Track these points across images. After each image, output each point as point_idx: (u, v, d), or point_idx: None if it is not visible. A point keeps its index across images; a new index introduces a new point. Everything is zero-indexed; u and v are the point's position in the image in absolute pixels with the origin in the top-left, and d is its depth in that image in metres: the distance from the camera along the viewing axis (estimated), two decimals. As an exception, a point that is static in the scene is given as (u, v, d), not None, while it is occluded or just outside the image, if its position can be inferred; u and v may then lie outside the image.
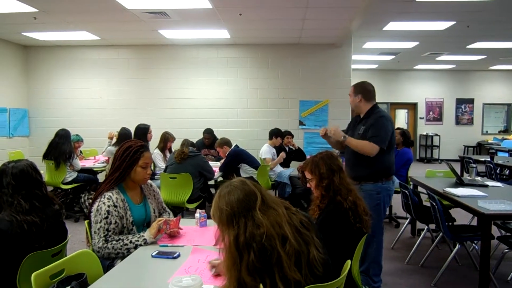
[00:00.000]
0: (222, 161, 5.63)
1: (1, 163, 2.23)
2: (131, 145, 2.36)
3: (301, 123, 7.86)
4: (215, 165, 5.60)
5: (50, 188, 5.56)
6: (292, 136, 6.65)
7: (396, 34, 7.34)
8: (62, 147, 5.42)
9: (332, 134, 3.17)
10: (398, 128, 5.46)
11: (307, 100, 7.83)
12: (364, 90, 3.28)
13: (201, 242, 2.23)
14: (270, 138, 6.17)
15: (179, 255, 1.99)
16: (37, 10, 5.48)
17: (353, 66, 8.07)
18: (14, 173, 2.12)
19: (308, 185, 2.37)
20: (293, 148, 6.66)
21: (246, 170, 5.48)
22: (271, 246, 1.28)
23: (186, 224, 2.55)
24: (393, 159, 3.27)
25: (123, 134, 5.64)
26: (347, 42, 7.51)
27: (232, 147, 5.64)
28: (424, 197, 4.32)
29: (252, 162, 5.56)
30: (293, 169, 5.83)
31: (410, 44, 8.36)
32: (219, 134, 6.62)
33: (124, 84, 8.11)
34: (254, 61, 7.87)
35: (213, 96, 7.94)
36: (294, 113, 7.87)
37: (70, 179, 5.55)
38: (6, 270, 1.94)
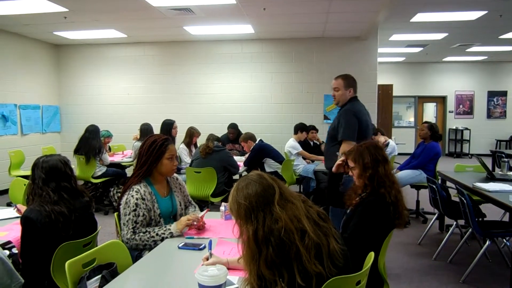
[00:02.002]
0: (247, 155, 5.67)
1: (36, 158, 2.33)
2: (156, 139, 2.43)
3: (325, 118, 7.80)
4: (240, 160, 5.64)
5: (80, 182, 5.78)
6: (317, 130, 6.62)
7: (424, 26, 7.13)
8: (91, 142, 5.59)
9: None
10: (426, 122, 5.34)
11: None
12: (354, 83, 3.32)
13: (226, 234, 2.26)
14: (295, 132, 6.16)
15: (205, 247, 2.02)
16: (67, 10, 5.65)
17: (379, 59, 7.92)
18: (44, 166, 2.22)
19: (350, 173, 2.34)
20: (318, 143, 6.63)
21: (270, 165, 5.50)
22: (289, 240, 1.28)
23: (211, 217, 2.59)
24: None
25: (145, 130, 5.81)
26: (373, 35, 7.37)
27: (256, 142, 5.66)
28: (452, 192, 4.21)
29: (277, 156, 5.57)
30: (318, 163, 5.80)
31: (439, 36, 8.11)
32: (243, 129, 6.66)
33: (150, 81, 8.27)
34: (278, 56, 7.85)
35: (237, 91, 7.98)
36: (318, 108, 7.81)
37: (99, 173, 5.72)
38: (40, 258, 2.04)
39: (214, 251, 1.78)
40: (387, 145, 5.95)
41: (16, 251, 2.21)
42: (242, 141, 5.83)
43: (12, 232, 2.41)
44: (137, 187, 2.34)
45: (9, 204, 3.71)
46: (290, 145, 5.96)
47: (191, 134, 5.96)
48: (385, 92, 9.19)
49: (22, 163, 6.47)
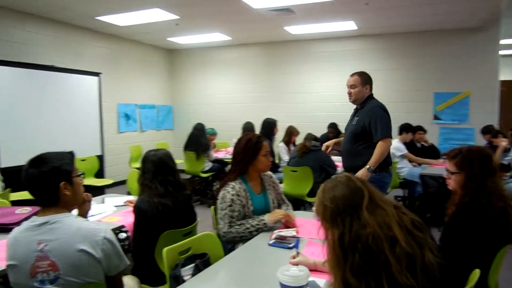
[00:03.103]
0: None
1: (145, 152, 2.56)
2: (251, 137, 2.50)
3: (436, 117, 7.17)
4: (338, 160, 5.48)
5: (187, 176, 6.24)
6: (425, 131, 6.11)
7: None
8: (200, 139, 6.03)
9: (360, 175, 2.96)
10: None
11: (443, 92, 7.08)
12: (371, 81, 3.26)
13: (317, 235, 2.21)
14: (400, 133, 5.78)
15: (294, 246, 2.02)
16: (178, 17, 6.14)
17: (503, 52, 7.00)
18: (154, 160, 2.43)
19: (446, 176, 2.07)
20: (426, 145, 6.12)
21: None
22: (378, 248, 1.19)
23: (304, 217, 2.57)
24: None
25: (247, 128, 6.03)
26: (494, 25, 6.53)
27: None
28: None
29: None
30: (425, 167, 5.36)
31: None
32: (344, 129, 6.46)
33: (252, 81, 8.55)
34: (382, 52, 7.45)
35: (338, 90, 7.78)
36: (427, 107, 7.21)
37: (207, 168, 6.14)
38: (146, 244, 2.24)
39: (303, 252, 1.76)
40: (508, 150, 5.23)
41: (128, 235, 2.47)
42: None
43: (126, 218, 2.69)
44: (232, 183, 2.44)
45: (129, 193, 4.15)
46: (394, 146, 5.59)
47: (290, 133, 6.02)
48: (510, 89, 8.10)
49: (140, 157, 7.22)
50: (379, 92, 7.41)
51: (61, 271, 1.51)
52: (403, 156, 5.54)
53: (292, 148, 5.92)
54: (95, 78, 6.61)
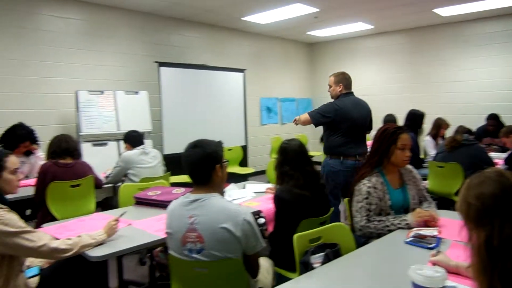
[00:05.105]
0: (509, 152, 4.74)
1: (281, 143, 2.65)
2: (387, 128, 2.37)
3: None
4: (498, 157, 4.78)
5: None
6: None
7: None
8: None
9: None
10: None
11: None
12: (344, 80, 3.66)
13: (463, 237, 1.98)
14: None
15: (435, 247, 1.85)
16: (318, 10, 6.15)
17: None
18: (295, 150, 2.47)
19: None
20: None
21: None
22: None
23: (450, 217, 2.32)
24: (339, 141, 3.54)
25: (388, 121, 5.68)
26: None
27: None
28: None
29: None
30: None
31: None
32: (507, 121, 5.61)
33: (395, 70, 8.07)
34: None
35: (498, 76, 6.75)
36: None
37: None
38: (284, 231, 2.32)
39: (447, 252, 1.60)
40: None
41: (265, 221, 2.61)
42: (503, 135, 4.91)
43: (264, 204, 2.85)
44: (368, 176, 2.35)
45: (268, 182, 4.37)
46: None
47: (439, 126, 5.49)
48: None
49: (279, 148, 7.55)
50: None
51: (206, 243, 1.71)
52: None
53: (440, 142, 5.41)
54: (240, 74, 7.14)
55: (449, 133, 5.20)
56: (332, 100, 3.72)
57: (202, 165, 1.81)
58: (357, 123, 3.59)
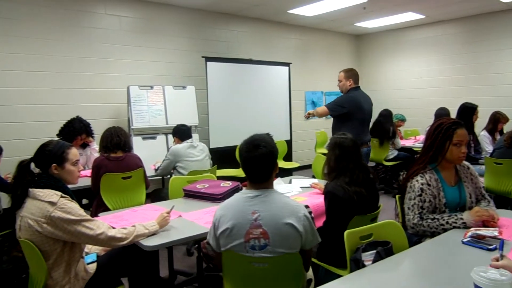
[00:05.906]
0: None
1: (332, 138, 2.59)
2: (442, 122, 2.25)
3: None
4: None
5: (371, 164, 6.10)
6: None
7: None
8: (385, 126, 5.81)
9: None
10: None
11: None
12: (353, 76, 4.04)
13: (526, 239, 1.86)
14: None
15: (495, 248, 1.74)
16: (366, 0, 5.97)
17: None
18: (352, 145, 2.42)
19: None
20: None
21: None
22: None
23: (510, 216, 2.19)
24: (352, 130, 3.30)
25: (439, 115, 5.44)
26: None
27: None
28: None
29: None
30: None
31: None
32: None
33: (446, 62, 7.71)
34: None
35: None
36: None
37: (391, 156, 5.89)
38: (336, 227, 2.27)
39: (508, 255, 1.50)
40: None
41: (312, 216, 2.59)
42: None
43: (311, 199, 2.82)
44: (421, 172, 2.26)
45: (313, 176, 4.33)
46: None
47: (496, 120, 5.17)
48: None
49: (325, 143, 7.44)
50: None
51: (271, 240, 1.68)
52: None
53: (498, 137, 5.09)
54: (285, 68, 7.10)
55: (507, 128, 4.88)
56: (339, 95, 4.22)
57: (268, 165, 1.80)
58: (366, 113, 4.11)
